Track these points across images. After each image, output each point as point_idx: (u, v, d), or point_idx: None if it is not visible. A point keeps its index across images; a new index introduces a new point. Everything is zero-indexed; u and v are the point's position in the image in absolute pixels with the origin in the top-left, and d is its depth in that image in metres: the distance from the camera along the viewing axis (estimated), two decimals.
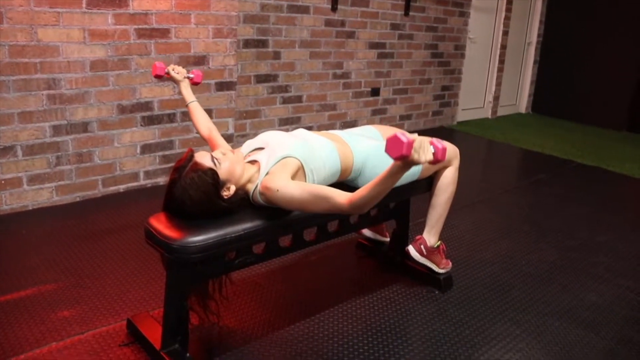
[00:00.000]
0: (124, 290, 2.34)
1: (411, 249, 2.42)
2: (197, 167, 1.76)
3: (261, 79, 4.24)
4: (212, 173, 1.76)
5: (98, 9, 3.13)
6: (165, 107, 3.55)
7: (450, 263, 2.54)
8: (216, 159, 1.80)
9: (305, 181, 1.90)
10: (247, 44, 4.07)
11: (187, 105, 2.28)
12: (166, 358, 1.83)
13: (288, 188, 1.73)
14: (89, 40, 3.13)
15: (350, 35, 4.80)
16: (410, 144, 1.40)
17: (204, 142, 2.28)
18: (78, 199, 3.30)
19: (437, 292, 2.49)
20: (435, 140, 1.47)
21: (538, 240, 3.17)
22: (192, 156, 1.79)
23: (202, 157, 1.79)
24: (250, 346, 2.02)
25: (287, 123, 4.52)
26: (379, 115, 5.34)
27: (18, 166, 3.03)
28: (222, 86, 3.81)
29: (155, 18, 3.36)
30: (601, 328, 2.30)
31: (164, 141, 3.61)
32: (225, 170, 1.79)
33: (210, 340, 2.05)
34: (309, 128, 4.49)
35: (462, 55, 6.08)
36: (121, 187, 3.48)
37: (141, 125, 3.47)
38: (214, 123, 2.26)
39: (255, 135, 2.54)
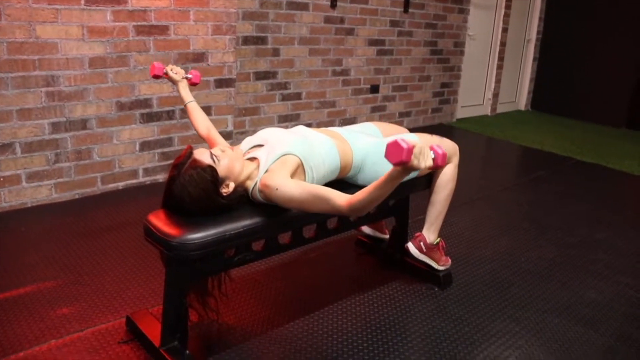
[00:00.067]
0: (123, 288, 2.33)
1: (411, 246, 2.42)
2: (196, 164, 1.75)
3: (260, 76, 4.23)
4: (211, 170, 1.76)
5: (97, 6, 3.12)
6: (164, 104, 3.54)
7: (450, 260, 2.54)
8: (215, 156, 1.79)
9: (305, 178, 1.90)
10: (246, 40, 4.06)
11: (185, 106, 2.27)
12: (165, 355, 1.83)
13: (287, 187, 1.73)
14: (87, 37, 3.13)
15: (350, 32, 4.79)
16: (410, 150, 1.39)
17: (203, 140, 2.28)
18: (77, 197, 3.29)
19: (436, 289, 2.49)
20: (435, 145, 1.47)
21: (537, 237, 3.17)
22: (191, 153, 1.79)
23: (201, 154, 1.79)
24: (249, 343, 2.02)
25: (287, 120, 4.52)
26: (378, 112, 5.33)
27: (17, 163, 3.03)
28: (221, 83, 3.80)
29: (154, 15, 3.35)
30: (600, 325, 2.30)
31: (163, 138, 3.60)
32: (224, 167, 1.79)
33: (210, 338, 2.05)
34: (308, 125, 4.47)
35: (462, 53, 6.08)
36: (120, 185, 3.48)
37: (140, 122, 3.47)
38: (213, 120, 2.26)
39: (254, 132, 2.54)
